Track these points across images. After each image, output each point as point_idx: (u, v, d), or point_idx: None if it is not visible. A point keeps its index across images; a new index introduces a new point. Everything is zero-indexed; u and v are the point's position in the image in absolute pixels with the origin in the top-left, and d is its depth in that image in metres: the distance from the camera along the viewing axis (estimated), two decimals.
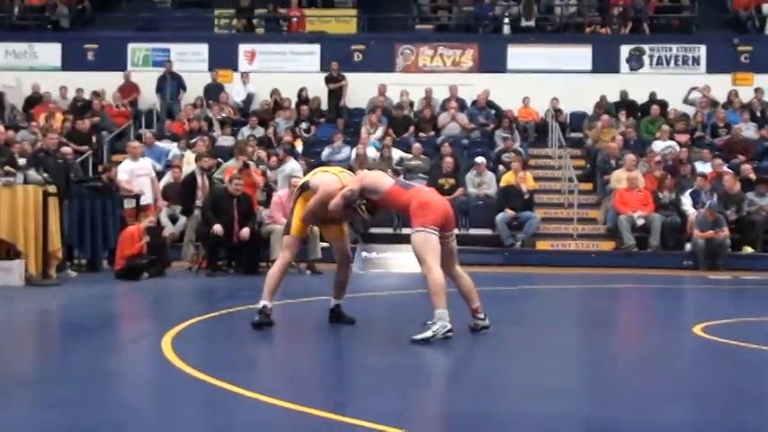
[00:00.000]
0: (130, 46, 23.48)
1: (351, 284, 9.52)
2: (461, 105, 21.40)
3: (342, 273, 8.48)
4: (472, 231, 17.19)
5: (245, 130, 20.12)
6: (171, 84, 22.09)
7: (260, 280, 12.72)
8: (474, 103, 21.71)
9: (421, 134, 20.63)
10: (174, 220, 15.71)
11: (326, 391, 5.73)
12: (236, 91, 22.46)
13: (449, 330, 7.23)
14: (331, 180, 8.03)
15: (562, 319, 9.61)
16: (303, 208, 8.07)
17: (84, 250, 13.42)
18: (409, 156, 18.66)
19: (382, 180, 7.78)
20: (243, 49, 23.27)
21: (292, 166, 15.65)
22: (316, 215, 8.07)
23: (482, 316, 7.84)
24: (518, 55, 22.69)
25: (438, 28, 24.35)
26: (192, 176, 14.57)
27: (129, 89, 22.35)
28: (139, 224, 12.85)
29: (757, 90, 21.55)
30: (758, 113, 21.10)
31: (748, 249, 16.58)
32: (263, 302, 8.04)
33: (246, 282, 12.69)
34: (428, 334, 7.18)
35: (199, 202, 14.16)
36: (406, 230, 16.43)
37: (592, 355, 7.45)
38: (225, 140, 19.78)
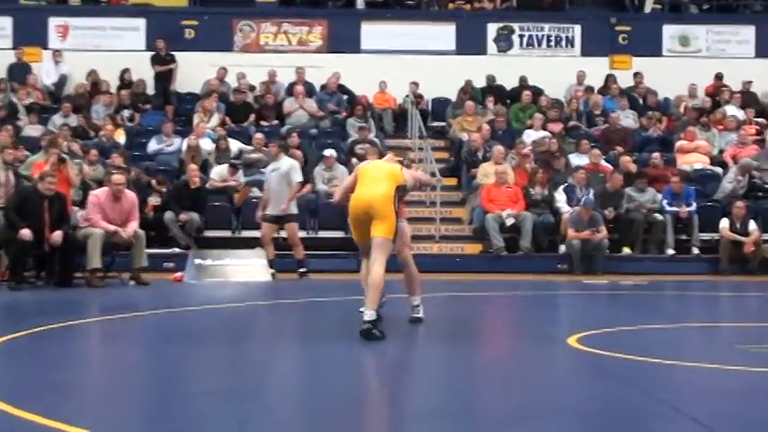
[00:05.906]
0: None
1: (181, 297, 9.45)
2: (309, 90, 21.43)
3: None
4: (322, 234, 16.89)
5: (57, 119, 19.72)
6: None
7: (74, 292, 12.58)
8: (323, 87, 21.79)
9: (263, 123, 20.57)
10: None
11: (148, 421, 5.63)
12: (45, 72, 22.01)
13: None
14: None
15: (422, 331, 9.69)
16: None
17: None
18: (250, 148, 18.55)
19: None
20: (54, 23, 22.77)
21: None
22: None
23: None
24: (373, 33, 22.86)
25: (282, 1, 24.29)
26: None
27: None
28: None
29: (637, 74, 22.24)
30: (640, 100, 21.74)
31: (627, 250, 17.09)
32: (370, 311, 8.53)
33: (58, 295, 12.45)
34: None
35: (1, 202, 13.88)
36: (246, 233, 16.33)
37: (455, 370, 7.54)
38: (33, 130, 19.33)
